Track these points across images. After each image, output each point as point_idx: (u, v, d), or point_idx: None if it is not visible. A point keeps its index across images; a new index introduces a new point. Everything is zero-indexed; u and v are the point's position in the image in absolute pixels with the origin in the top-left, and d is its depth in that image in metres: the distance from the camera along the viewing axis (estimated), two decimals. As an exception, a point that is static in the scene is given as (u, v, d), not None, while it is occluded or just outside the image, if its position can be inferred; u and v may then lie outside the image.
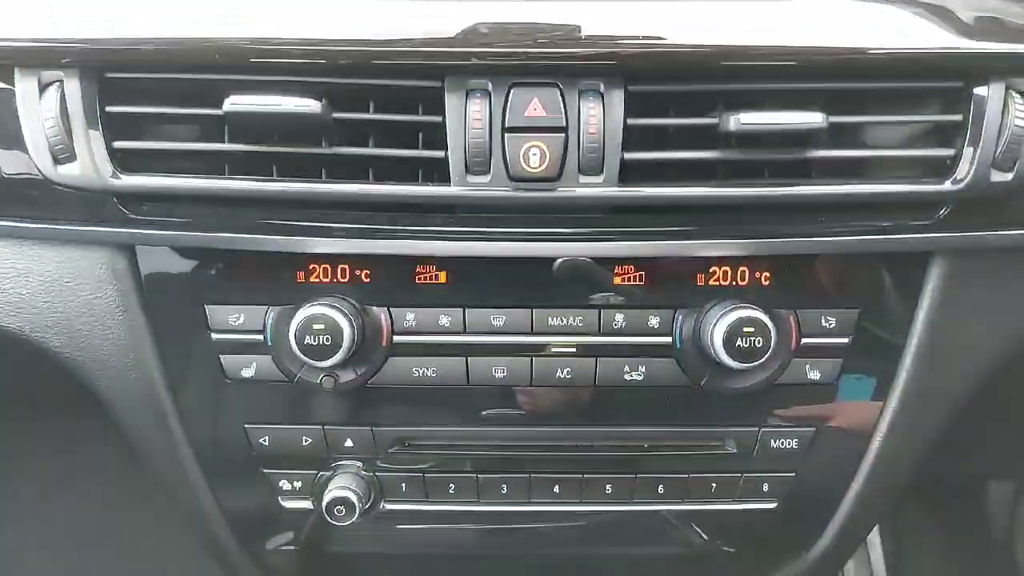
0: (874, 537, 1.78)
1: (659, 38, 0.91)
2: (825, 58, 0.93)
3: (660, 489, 1.12)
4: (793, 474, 1.12)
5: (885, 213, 0.99)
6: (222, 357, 1.04)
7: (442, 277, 1.00)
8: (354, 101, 0.94)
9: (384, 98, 0.95)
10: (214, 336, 1.03)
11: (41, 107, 0.93)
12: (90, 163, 0.94)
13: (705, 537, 1.21)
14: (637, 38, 0.91)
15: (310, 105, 0.90)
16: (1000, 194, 0.96)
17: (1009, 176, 0.95)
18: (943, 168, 0.96)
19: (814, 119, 0.91)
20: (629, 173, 0.94)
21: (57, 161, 0.94)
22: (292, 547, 1.23)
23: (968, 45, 0.93)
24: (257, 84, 0.92)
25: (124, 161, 0.95)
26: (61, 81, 0.93)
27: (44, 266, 1.03)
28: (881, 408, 1.08)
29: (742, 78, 0.94)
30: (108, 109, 0.94)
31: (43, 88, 0.94)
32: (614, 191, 0.94)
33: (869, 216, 0.99)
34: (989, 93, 0.94)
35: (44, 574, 1.76)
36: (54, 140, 0.93)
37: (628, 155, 0.93)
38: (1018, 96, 0.94)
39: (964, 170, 0.95)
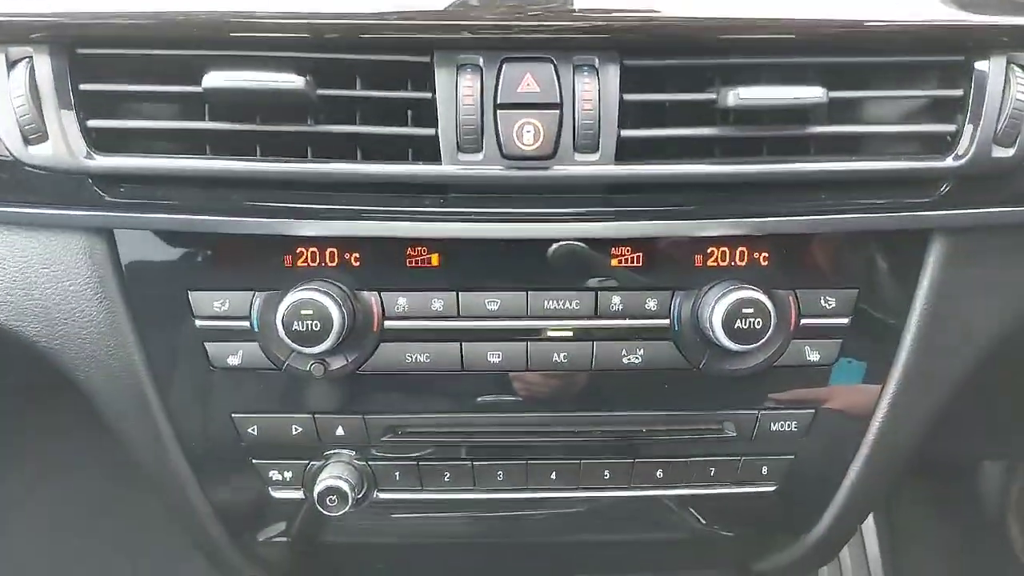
0: (869, 519, 1.79)
1: (656, 11, 0.88)
2: (824, 32, 0.91)
3: (659, 474, 1.11)
4: (792, 457, 1.11)
5: (885, 191, 0.98)
6: (207, 345, 1.01)
7: (434, 260, 0.98)
8: (340, 77, 0.91)
9: (371, 74, 0.92)
10: (198, 323, 1.00)
11: (9, 85, 0.89)
12: (63, 143, 0.90)
13: (703, 521, 1.20)
14: (633, 11, 0.88)
15: (294, 81, 0.86)
16: (1001, 170, 0.95)
17: (1011, 152, 0.94)
18: (944, 144, 0.95)
19: (814, 94, 0.89)
20: (625, 151, 0.92)
21: (28, 141, 0.90)
22: (283, 538, 1.21)
23: (969, 18, 0.92)
24: (238, 59, 0.89)
25: (99, 141, 0.91)
26: (30, 57, 0.89)
27: (18, 251, 0.99)
28: (881, 388, 1.07)
29: (740, 52, 0.92)
30: (81, 87, 0.90)
31: (11, 65, 0.89)
32: (610, 169, 0.91)
33: (869, 194, 0.97)
34: (990, 67, 0.92)
35: (33, 568, 1.73)
36: (24, 119, 0.89)
37: (624, 132, 0.91)
38: (1019, 70, 0.93)
39: (965, 146, 0.94)
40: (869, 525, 1.79)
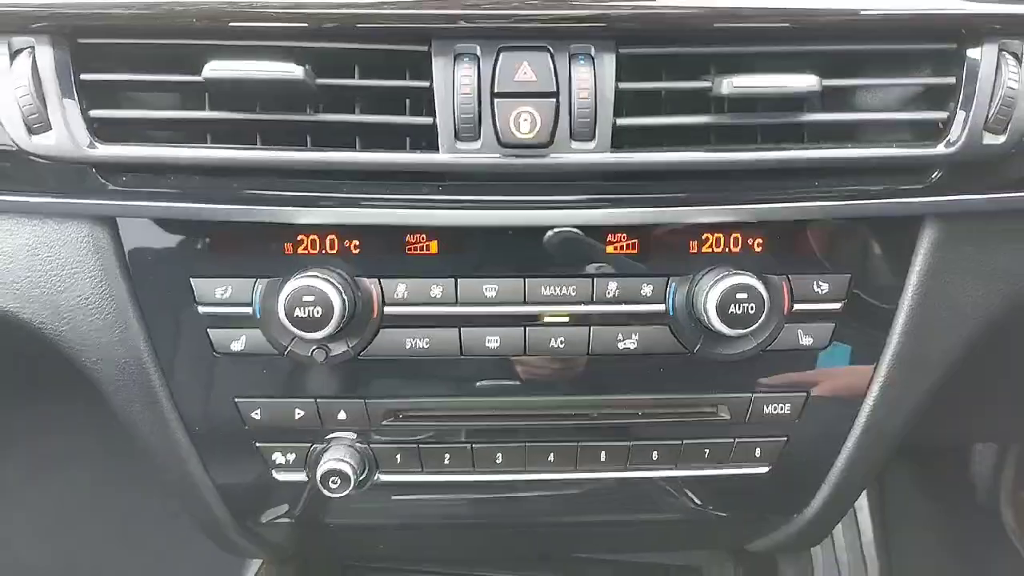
0: (862, 500, 1.82)
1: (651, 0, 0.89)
2: (818, 20, 0.92)
3: (654, 456, 1.13)
4: (785, 439, 1.13)
5: (877, 177, 0.99)
6: (210, 331, 1.02)
7: (433, 247, 0.99)
8: (339, 67, 0.92)
9: (369, 63, 0.92)
10: (201, 310, 1.01)
11: (12, 75, 0.90)
12: (66, 133, 0.91)
13: (697, 502, 1.22)
14: (629, 0, 0.89)
15: (293, 71, 0.87)
16: (992, 157, 0.96)
17: (1001, 139, 0.95)
18: (935, 131, 0.96)
19: (808, 82, 0.90)
20: (621, 139, 0.93)
21: (31, 131, 0.91)
22: (287, 520, 1.24)
23: (961, 6, 0.92)
24: (238, 49, 0.89)
25: (102, 130, 0.92)
26: (33, 47, 0.90)
27: (24, 240, 1.00)
28: (872, 372, 1.09)
29: (735, 41, 0.93)
30: (83, 77, 0.91)
31: (13, 55, 0.90)
32: (606, 157, 0.92)
33: (861, 180, 0.99)
34: (982, 55, 0.93)
35: (37, 555, 1.76)
36: (27, 109, 0.90)
37: (620, 120, 0.92)
38: (1011, 58, 0.94)
39: (956, 133, 0.94)
40: (862, 505, 1.82)
